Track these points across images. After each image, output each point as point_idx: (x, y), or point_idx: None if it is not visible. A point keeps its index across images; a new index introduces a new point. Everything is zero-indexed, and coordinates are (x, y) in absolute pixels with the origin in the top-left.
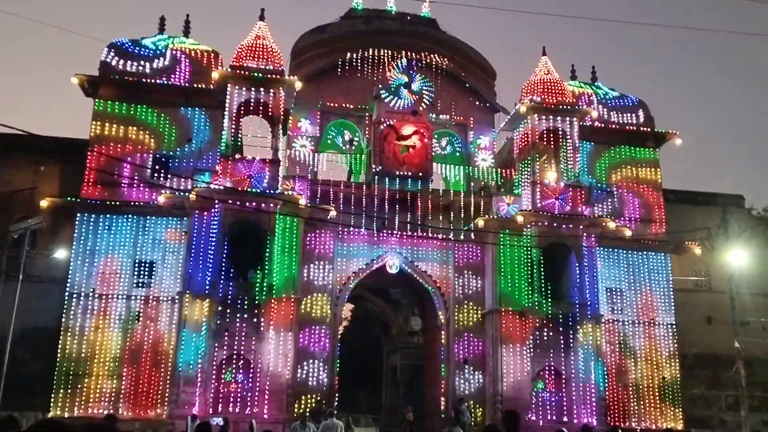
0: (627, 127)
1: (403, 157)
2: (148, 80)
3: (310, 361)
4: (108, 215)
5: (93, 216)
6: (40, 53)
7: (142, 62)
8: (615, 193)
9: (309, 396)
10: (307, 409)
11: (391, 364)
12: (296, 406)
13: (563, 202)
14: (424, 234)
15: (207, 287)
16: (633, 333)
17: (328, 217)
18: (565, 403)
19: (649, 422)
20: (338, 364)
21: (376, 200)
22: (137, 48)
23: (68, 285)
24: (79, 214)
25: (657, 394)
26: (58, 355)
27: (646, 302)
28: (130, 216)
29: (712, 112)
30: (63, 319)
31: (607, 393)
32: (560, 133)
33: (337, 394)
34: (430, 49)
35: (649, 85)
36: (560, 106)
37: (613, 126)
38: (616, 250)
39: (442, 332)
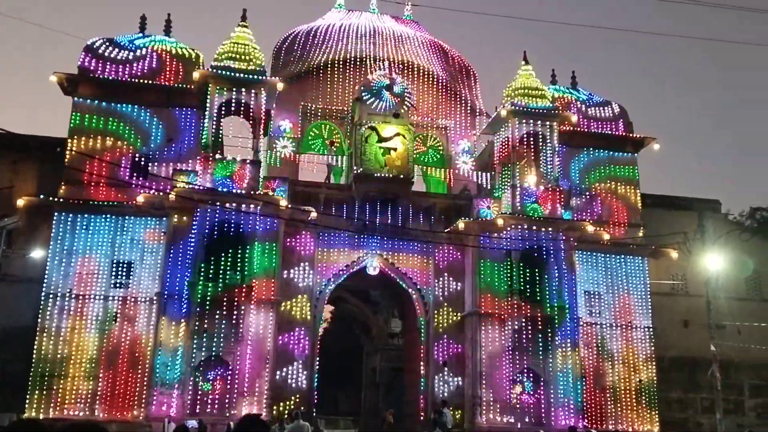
0: (606, 132)
1: (385, 159)
2: (128, 79)
3: (290, 362)
4: (86, 215)
5: (70, 215)
6: (19, 51)
7: (122, 61)
8: (594, 197)
9: (288, 398)
10: (286, 411)
11: (371, 366)
12: (275, 408)
13: (542, 205)
14: (405, 236)
15: (186, 288)
16: (611, 336)
17: (309, 219)
18: (543, 406)
19: (626, 425)
20: (318, 366)
21: (357, 202)
22: (117, 47)
23: (45, 285)
24: (56, 214)
25: (634, 396)
26: (34, 355)
27: (624, 305)
28: (108, 216)
29: (690, 118)
30: (39, 320)
31: (584, 395)
32: (540, 137)
33: (316, 396)
34: (412, 51)
35: (628, 90)
36: (540, 111)
37: (593, 131)
38: (594, 254)
39: (422, 334)
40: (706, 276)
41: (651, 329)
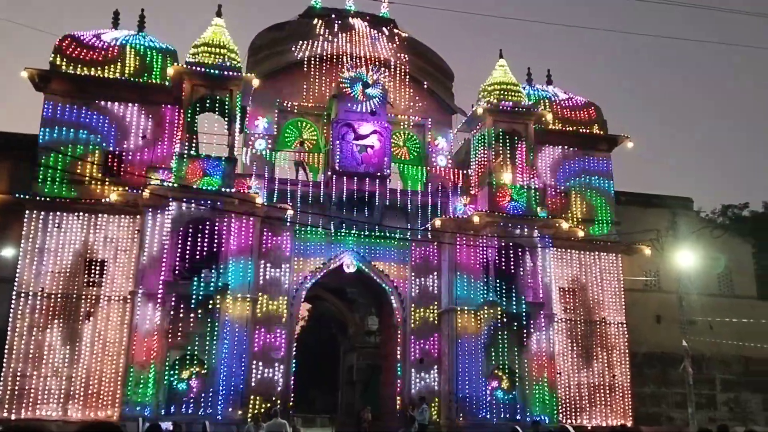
0: (580, 130)
1: (361, 157)
2: (101, 75)
3: (266, 361)
4: (58, 213)
5: (43, 213)
6: None
7: (95, 57)
8: (568, 194)
9: (264, 396)
10: (262, 410)
11: (348, 364)
12: (251, 406)
13: (518, 203)
14: (382, 234)
15: (160, 286)
16: (585, 332)
17: (285, 216)
18: (518, 402)
19: (599, 420)
20: (294, 364)
21: (333, 199)
22: (90, 42)
23: (16, 284)
24: (28, 212)
25: (608, 392)
26: (5, 355)
27: (598, 302)
28: (80, 213)
29: (663, 117)
30: (10, 319)
31: (559, 391)
32: (516, 134)
33: (293, 395)
34: (389, 49)
35: (602, 89)
36: (516, 109)
37: (567, 129)
38: (568, 251)
39: (399, 332)
40: (678, 272)
41: (624, 325)
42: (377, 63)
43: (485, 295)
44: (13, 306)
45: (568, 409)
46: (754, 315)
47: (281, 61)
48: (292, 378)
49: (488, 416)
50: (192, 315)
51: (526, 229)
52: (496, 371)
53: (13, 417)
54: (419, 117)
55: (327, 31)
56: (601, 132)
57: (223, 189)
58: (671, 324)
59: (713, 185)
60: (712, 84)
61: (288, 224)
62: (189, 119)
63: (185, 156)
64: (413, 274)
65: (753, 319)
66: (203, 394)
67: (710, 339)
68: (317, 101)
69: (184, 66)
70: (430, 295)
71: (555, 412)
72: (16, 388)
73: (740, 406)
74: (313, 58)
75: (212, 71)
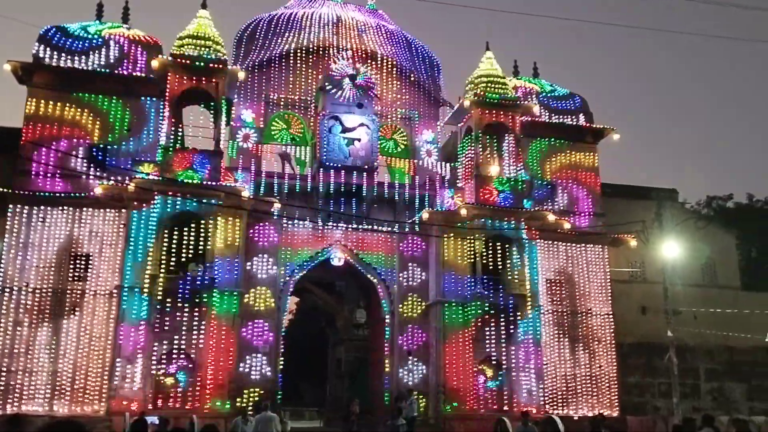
0: (567, 122)
1: (348, 150)
2: (85, 68)
3: (253, 354)
4: (42, 207)
5: (26, 208)
6: None
7: (78, 49)
8: (554, 186)
9: (252, 390)
10: (250, 403)
11: (336, 357)
12: (239, 400)
13: (505, 195)
14: (369, 227)
15: (146, 280)
16: (571, 323)
17: (272, 210)
18: (506, 393)
19: (586, 409)
20: (282, 358)
21: (321, 192)
22: (74, 34)
23: (0, 279)
24: (11, 206)
25: (594, 382)
26: None
27: (584, 293)
28: (65, 208)
29: (649, 109)
30: None
31: (546, 382)
32: (503, 127)
33: (281, 388)
34: (376, 41)
35: (588, 81)
36: (503, 101)
37: (554, 121)
38: (555, 243)
39: (387, 324)
40: (663, 263)
41: (610, 316)
42: (364, 55)
43: (472, 288)
44: None
45: (555, 399)
46: (738, 305)
47: (267, 54)
48: (280, 371)
49: (476, 407)
50: (179, 309)
51: (513, 222)
52: (483, 363)
53: None
54: (406, 109)
55: (313, 23)
56: (588, 124)
57: (209, 182)
58: (656, 314)
59: (698, 177)
60: (698, 75)
61: (275, 217)
62: (174, 112)
63: (170, 149)
64: (401, 266)
65: (737, 310)
66: (190, 388)
67: (695, 329)
68: (304, 94)
69: (169, 58)
70: (418, 288)
71: (542, 402)
72: (2, 383)
73: (724, 395)
74: (299, 51)
75: (197, 63)
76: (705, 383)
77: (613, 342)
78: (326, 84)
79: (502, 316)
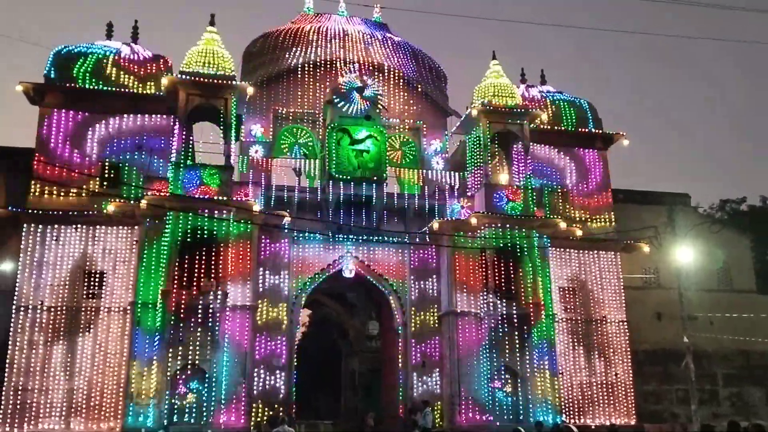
0: (576, 129)
1: (357, 162)
2: (96, 87)
3: (267, 368)
4: (56, 225)
5: (40, 227)
6: None
7: (89, 69)
8: (565, 193)
9: (266, 404)
10: (265, 418)
11: (350, 369)
12: (253, 414)
13: (515, 203)
14: (380, 237)
15: (160, 297)
16: (586, 331)
17: (283, 223)
18: (521, 403)
19: (603, 419)
20: (296, 371)
21: (330, 205)
22: (84, 54)
23: (15, 298)
24: (25, 226)
25: (610, 390)
26: (6, 369)
27: (598, 300)
28: (78, 226)
29: (659, 113)
30: (11, 333)
31: (561, 391)
32: (511, 135)
33: (295, 401)
34: (382, 53)
35: (597, 86)
36: (511, 109)
37: (562, 128)
38: (567, 250)
39: (400, 335)
40: (678, 269)
41: (625, 323)
42: (371, 67)
43: (485, 297)
44: (13, 320)
45: (571, 408)
46: (754, 309)
47: (275, 68)
48: (294, 384)
49: (491, 418)
50: (192, 324)
51: (524, 230)
52: (497, 373)
53: (16, 431)
54: (414, 120)
55: (320, 36)
56: (597, 130)
57: (220, 197)
58: (672, 321)
59: (711, 180)
60: (709, 79)
61: (286, 231)
62: (184, 129)
63: (181, 165)
64: (412, 277)
65: (753, 314)
66: (205, 403)
67: (711, 335)
68: (312, 107)
69: (178, 76)
70: (429, 298)
71: (558, 412)
72: (18, 402)
73: (742, 400)
74: (306, 64)
75: (206, 80)
76: (723, 389)
77: (629, 349)
78: (334, 97)
79: (516, 324)
